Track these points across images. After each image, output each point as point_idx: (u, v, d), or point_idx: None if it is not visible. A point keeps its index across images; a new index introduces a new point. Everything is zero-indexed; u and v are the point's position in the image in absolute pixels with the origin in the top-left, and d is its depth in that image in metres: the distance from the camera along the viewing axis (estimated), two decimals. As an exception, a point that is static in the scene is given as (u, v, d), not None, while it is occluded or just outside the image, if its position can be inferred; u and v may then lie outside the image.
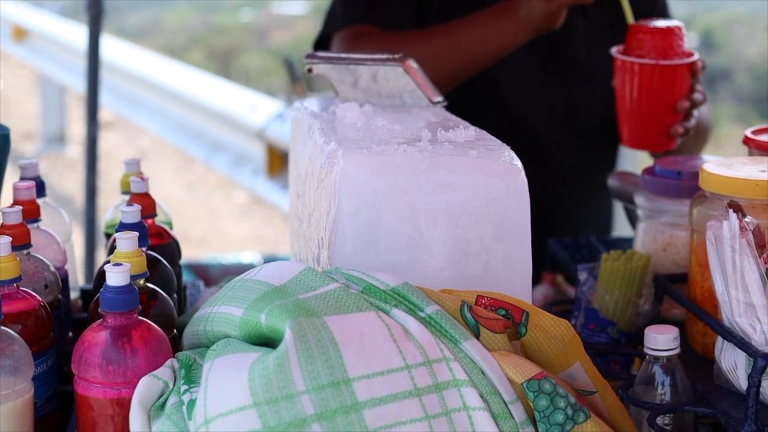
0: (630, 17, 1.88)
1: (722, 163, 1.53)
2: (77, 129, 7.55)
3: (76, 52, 6.54)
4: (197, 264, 4.49)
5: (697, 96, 1.86)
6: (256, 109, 5.67)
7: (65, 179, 7.60)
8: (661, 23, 1.85)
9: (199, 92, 6.39)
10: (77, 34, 6.82)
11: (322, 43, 2.17)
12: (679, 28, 1.84)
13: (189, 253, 5.78)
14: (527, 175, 1.34)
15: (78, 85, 6.41)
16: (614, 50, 1.87)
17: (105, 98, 6.66)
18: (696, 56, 1.84)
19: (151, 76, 6.91)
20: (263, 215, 6.94)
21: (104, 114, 8.01)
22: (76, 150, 8.03)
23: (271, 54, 11.25)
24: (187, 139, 6.40)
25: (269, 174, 5.33)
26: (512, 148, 1.39)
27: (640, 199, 1.73)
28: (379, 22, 2.09)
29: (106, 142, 7.75)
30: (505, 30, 1.92)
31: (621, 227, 3.92)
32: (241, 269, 1.30)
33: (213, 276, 3.92)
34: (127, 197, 1.63)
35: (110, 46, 6.91)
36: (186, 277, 3.46)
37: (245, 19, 13.68)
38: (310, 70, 1.70)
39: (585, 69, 2.20)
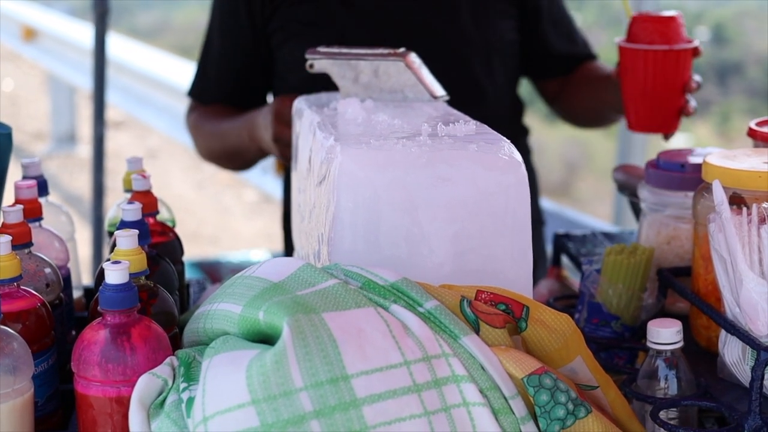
0: (629, 11, 1.95)
1: (725, 155, 1.52)
2: (87, 128, 7.56)
3: (85, 51, 6.54)
4: (207, 262, 4.50)
5: (696, 78, 1.93)
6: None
7: (76, 178, 7.62)
8: (663, 13, 1.92)
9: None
10: (86, 33, 6.82)
11: None
12: (681, 17, 1.91)
13: (199, 251, 5.80)
14: None
15: (88, 84, 6.40)
16: (618, 40, 1.94)
17: (115, 98, 6.67)
18: (696, 42, 1.92)
19: (160, 75, 6.91)
20: (273, 213, 6.93)
21: (114, 113, 8.03)
22: (86, 149, 8.03)
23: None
24: (197, 138, 6.39)
25: (278, 172, 5.32)
26: None
27: (643, 192, 1.72)
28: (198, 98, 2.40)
29: (116, 141, 7.77)
30: (255, 149, 2.18)
31: (626, 220, 3.92)
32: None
33: (223, 274, 3.93)
34: (130, 195, 1.63)
35: (120, 46, 6.92)
36: (195, 275, 3.44)
37: (255, 17, 13.68)
38: (311, 66, 1.70)
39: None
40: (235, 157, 2.30)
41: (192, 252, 5.66)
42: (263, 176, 5.58)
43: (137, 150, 8.07)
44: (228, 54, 2.33)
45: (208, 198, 7.43)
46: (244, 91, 2.34)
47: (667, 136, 1.98)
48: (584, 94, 2.35)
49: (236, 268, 1.37)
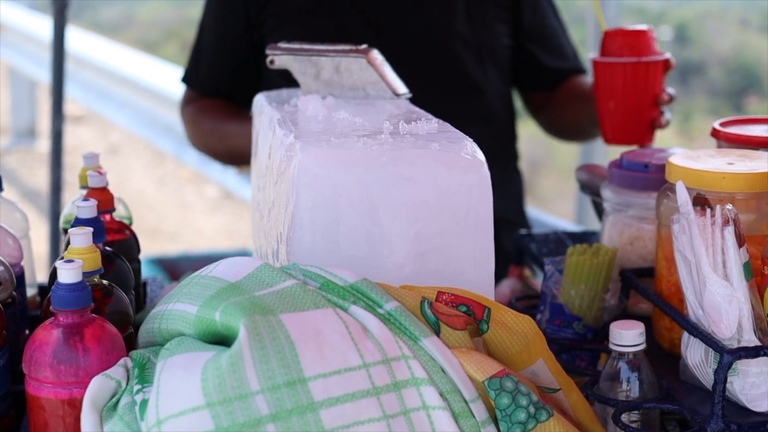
0: (603, 24, 1.99)
1: (689, 156, 1.51)
2: (48, 123, 7.50)
3: (46, 45, 6.46)
4: (167, 259, 4.46)
5: (670, 90, 1.95)
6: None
7: (35, 173, 7.54)
8: (635, 27, 1.95)
9: (169, 86, 6.33)
10: (47, 27, 6.75)
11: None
12: (652, 30, 1.95)
13: (160, 248, 5.74)
14: None
15: (48, 78, 6.35)
16: (592, 56, 1.97)
17: (77, 92, 6.60)
18: (668, 54, 1.95)
19: (122, 70, 6.86)
20: (234, 209, 6.90)
21: (75, 108, 7.95)
22: (46, 144, 7.94)
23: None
24: (158, 134, 6.35)
25: (240, 169, 5.28)
26: None
27: (606, 192, 1.71)
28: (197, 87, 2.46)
29: (77, 136, 7.70)
30: None
31: (589, 220, 3.91)
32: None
33: (182, 271, 3.88)
34: (85, 192, 1.60)
35: (82, 40, 6.84)
36: (156, 272, 3.39)
37: (219, 12, 13.59)
38: (272, 62, 1.67)
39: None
40: (239, 158, 2.35)
41: (152, 248, 5.62)
42: (224, 172, 5.53)
43: (98, 145, 8.01)
44: (221, 41, 2.36)
45: (169, 194, 7.38)
46: (235, 79, 2.37)
47: (641, 148, 1.98)
48: (569, 109, 2.35)
49: (197, 266, 1.34)
